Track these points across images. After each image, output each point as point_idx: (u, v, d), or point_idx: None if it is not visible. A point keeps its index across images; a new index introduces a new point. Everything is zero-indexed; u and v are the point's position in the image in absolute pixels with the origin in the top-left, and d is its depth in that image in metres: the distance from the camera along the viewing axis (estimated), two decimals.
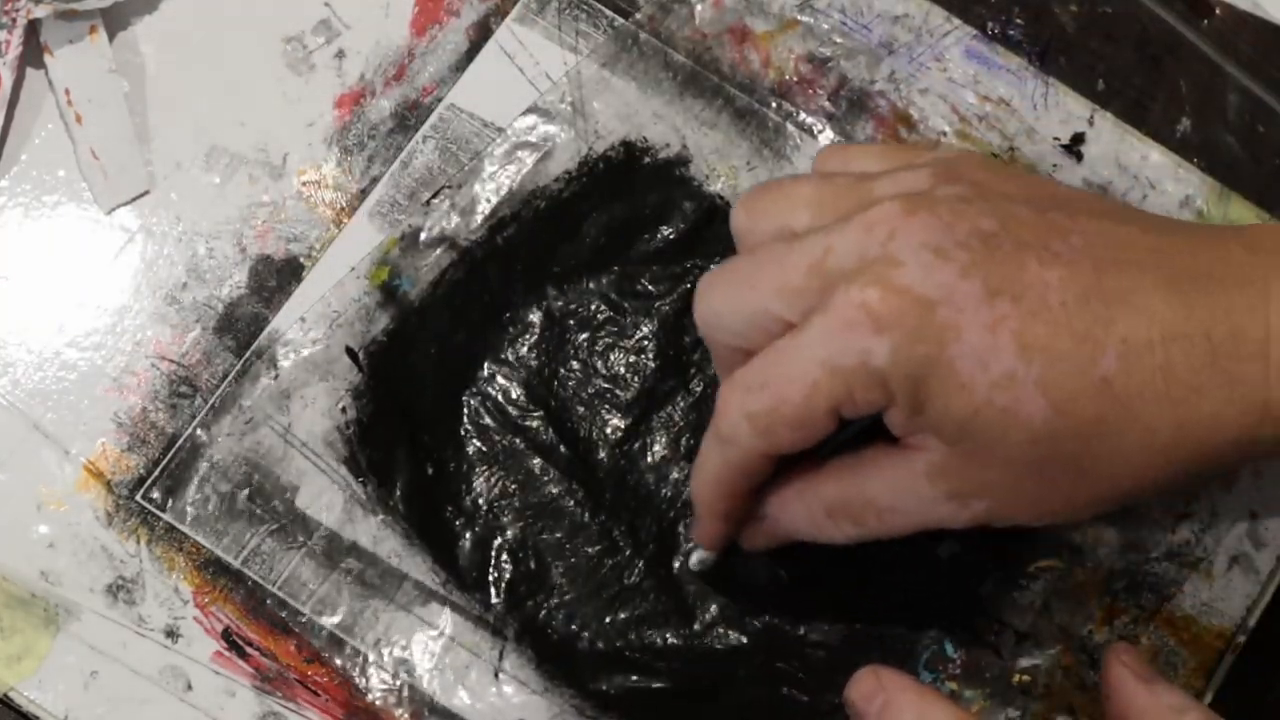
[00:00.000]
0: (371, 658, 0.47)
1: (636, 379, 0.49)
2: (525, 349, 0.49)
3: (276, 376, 0.48)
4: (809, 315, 0.39)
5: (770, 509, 0.44)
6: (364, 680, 0.46)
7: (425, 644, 0.47)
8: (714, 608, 0.47)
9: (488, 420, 0.48)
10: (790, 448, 0.41)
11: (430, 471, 0.48)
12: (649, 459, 0.48)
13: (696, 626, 0.47)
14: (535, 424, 0.48)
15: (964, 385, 0.38)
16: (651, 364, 0.49)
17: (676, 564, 0.47)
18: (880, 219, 0.39)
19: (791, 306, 0.40)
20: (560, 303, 0.49)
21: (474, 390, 0.49)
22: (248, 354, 0.49)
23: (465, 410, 0.48)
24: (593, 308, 0.49)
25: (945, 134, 0.51)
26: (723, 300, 0.41)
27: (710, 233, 0.50)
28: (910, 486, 0.41)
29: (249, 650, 0.47)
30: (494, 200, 0.50)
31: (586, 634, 0.47)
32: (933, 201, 0.39)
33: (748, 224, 0.43)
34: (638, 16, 0.52)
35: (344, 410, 0.48)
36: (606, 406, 0.49)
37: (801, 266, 0.40)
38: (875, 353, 0.38)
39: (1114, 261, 0.39)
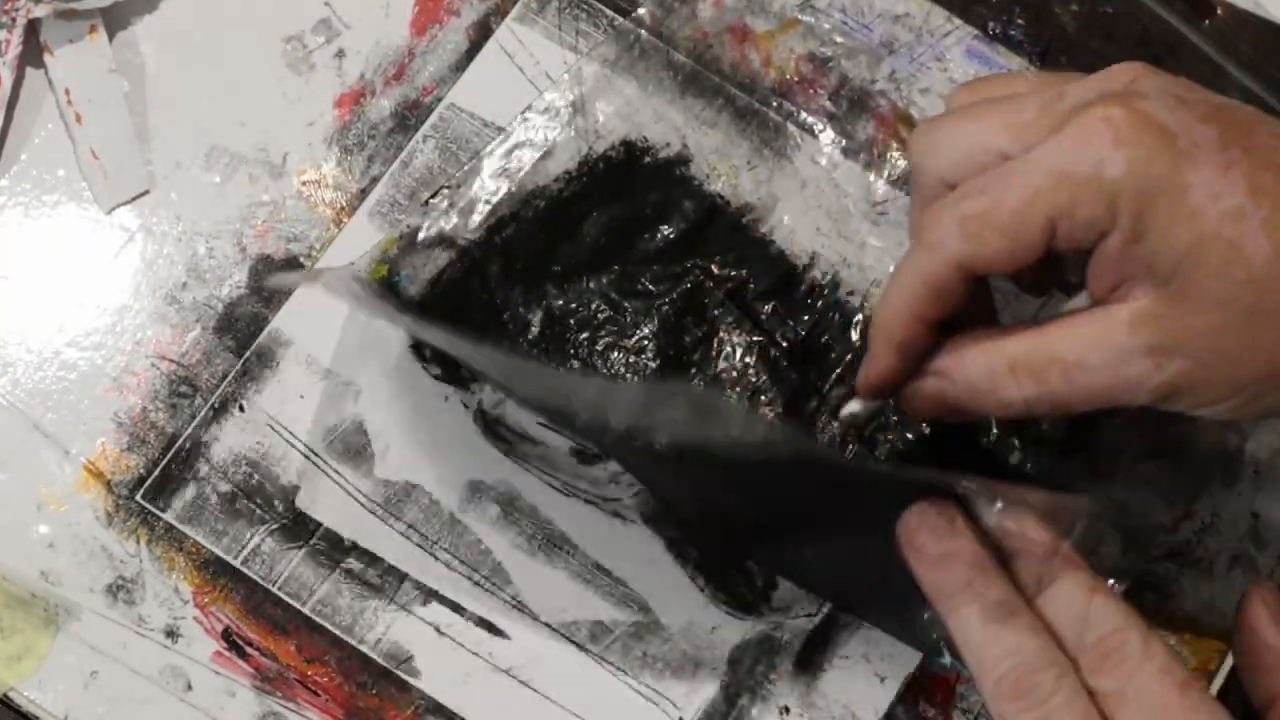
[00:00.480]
0: (371, 657, 0.47)
1: (636, 379, 0.49)
2: (525, 349, 0.49)
3: (276, 377, 0.48)
4: (1041, 141, 0.39)
5: (944, 363, 0.42)
6: (364, 680, 0.46)
7: (425, 644, 0.47)
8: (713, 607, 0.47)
9: (487, 420, 0.48)
10: (995, 262, 0.39)
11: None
12: None
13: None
14: (536, 424, 0.48)
15: (1194, 212, 0.38)
16: (652, 364, 0.49)
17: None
18: (1122, 70, 0.40)
19: (1018, 139, 0.39)
20: (560, 302, 0.49)
21: (473, 390, 0.49)
22: (248, 354, 0.49)
23: (465, 410, 0.48)
24: (593, 307, 0.49)
25: None
26: (942, 130, 0.41)
27: (710, 232, 0.50)
28: (1107, 338, 0.39)
29: (249, 650, 0.47)
30: (494, 200, 0.50)
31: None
32: (1165, 74, 0.40)
33: (969, 96, 0.43)
34: (638, 15, 0.52)
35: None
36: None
37: (1033, 105, 0.40)
38: (1110, 163, 0.38)
39: None
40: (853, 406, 0.44)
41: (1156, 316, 0.39)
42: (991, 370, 0.41)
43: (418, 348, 0.49)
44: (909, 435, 0.47)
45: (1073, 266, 0.41)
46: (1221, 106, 0.40)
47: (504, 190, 0.50)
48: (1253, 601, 0.42)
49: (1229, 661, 0.48)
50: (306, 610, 0.47)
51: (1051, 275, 0.43)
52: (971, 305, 0.41)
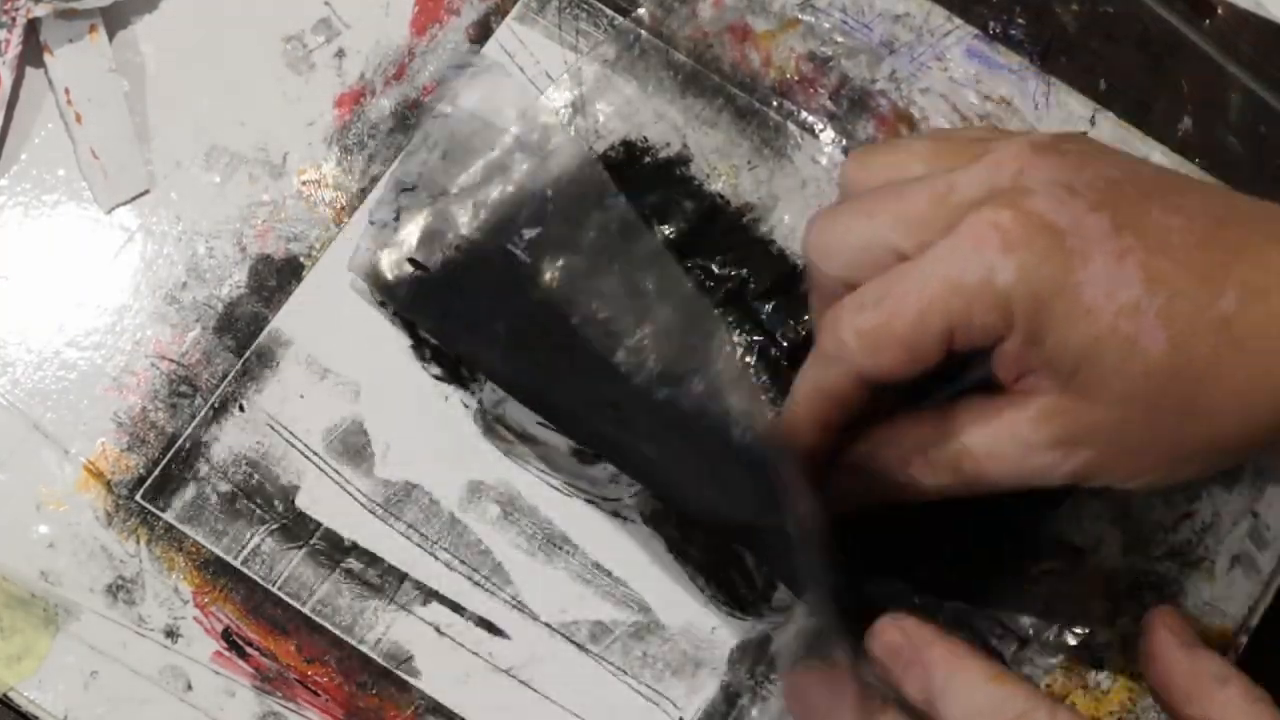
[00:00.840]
0: (372, 657, 0.47)
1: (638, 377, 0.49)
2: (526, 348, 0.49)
3: (276, 377, 0.48)
4: (930, 245, 0.39)
5: (859, 456, 0.42)
6: (364, 680, 0.46)
7: (425, 644, 0.47)
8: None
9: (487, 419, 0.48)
10: (894, 370, 0.40)
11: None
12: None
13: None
14: (536, 423, 0.48)
15: (1089, 311, 0.38)
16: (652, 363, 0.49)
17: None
18: (1009, 157, 0.39)
19: (910, 236, 0.39)
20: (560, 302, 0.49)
21: (473, 390, 0.49)
22: (248, 354, 0.49)
23: (465, 410, 0.48)
24: (593, 307, 0.49)
25: None
26: (834, 229, 0.41)
27: (711, 232, 0.50)
28: (1013, 432, 0.40)
29: (249, 650, 0.46)
30: (494, 199, 0.50)
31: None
32: (1059, 148, 0.40)
33: (860, 174, 0.42)
34: (638, 15, 0.52)
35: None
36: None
37: (924, 198, 0.39)
38: (1001, 270, 0.38)
39: (1228, 219, 0.40)
40: None
41: (1060, 412, 0.39)
42: (904, 460, 0.42)
43: (418, 347, 0.49)
44: None
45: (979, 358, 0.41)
46: (1115, 183, 0.39)
47: (504, 190, 0.50)
48: (1157, 627, 0.42)
49: (1230, 661, 0.48)
50: (306, 610, 0.47)
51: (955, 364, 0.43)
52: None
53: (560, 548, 0.48)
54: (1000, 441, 0.40)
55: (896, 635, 0.40)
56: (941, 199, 0.39)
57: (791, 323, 0.49)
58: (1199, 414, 0.39)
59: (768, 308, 0.49)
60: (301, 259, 0.49)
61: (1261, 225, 0.40)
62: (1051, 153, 0.39)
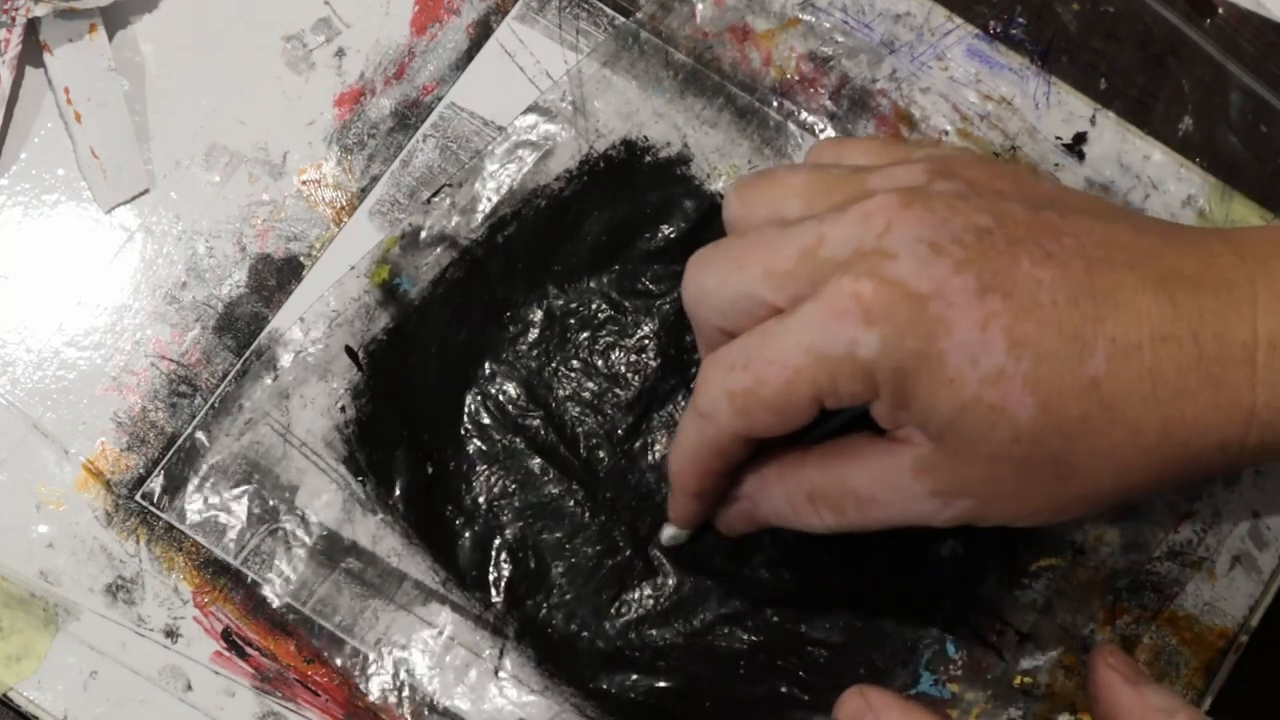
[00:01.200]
0: (371, 658, 0.47)
1: (637, 378, 0.49)
2: (526, 348, 0.49)
3: (276, 376, 0.48)
4: (797, 302, 0.39)
5: (749, 490, 0.43)
6: (364, 680, 0.46)
7: (425, 644, 0.47)
8: (715, 607, 0.47)
9: (488, 420, 0.48)
10: (767, 431, 0.40)
11: (430, 471, 0.48)
12: (650, 458, 0.48)
13: (697, 625, 0.47)
14: (535, 423, 0.48)
15: (952, 380, 0.38)
16: (652, 363, 0.49)
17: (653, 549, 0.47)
18: (876, 210, 0.39)
19: (779, 291, 0.39)
20: (561, 301, 0.49)
21: (474, 389, 0.49)
22: (247, 353, 0.48)
23: (465, 409, 0.48)
24: (593, 307, 0.49)
25: (947, 133, 0.51)
26: (710, 278, 0.41)
27: (711, 231, 0.50)
28: (893, 480, 0.40)
29: (249, 650, 0.46)
30: (495, 199, 0.50)
31: (586, 633, 0.47)
32: (928, 196, 0.39)
33: (740, 211, 0.43)
34: (639, 15, 0.52)
35: (343, 409, 0.48)
36: (607, 406, 0.48)
37: (792, 252, 0.39)
38: (863, 344, 0.38)
39: (1105, 261, 0.39)
40: (668, 532, 0.47)
41: (935, 466, 0.39)
42: (792, 499, 0.42)
43: (417, 347, 0.49)
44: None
45: None
46: (985, 234, 0.39)
47: (505, 189, 0.50)
48: (1098, 667, 0.42)
49: (1229, 661, 0.48)
50: (306, 610, 0.47)
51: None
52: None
53: (560, 547, 0.48)
54: (882, 487, 0.41)
55: (859, 701, 0.40)
56: (809, 253, 0.39)
57: None
58: (1074, 472, 0.39)
59: None
60: (301, 259, 0.49)
61: (1140, 267, 0.39)
62: (918, 204, 0.39)
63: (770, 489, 0.43)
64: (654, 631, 0.47)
